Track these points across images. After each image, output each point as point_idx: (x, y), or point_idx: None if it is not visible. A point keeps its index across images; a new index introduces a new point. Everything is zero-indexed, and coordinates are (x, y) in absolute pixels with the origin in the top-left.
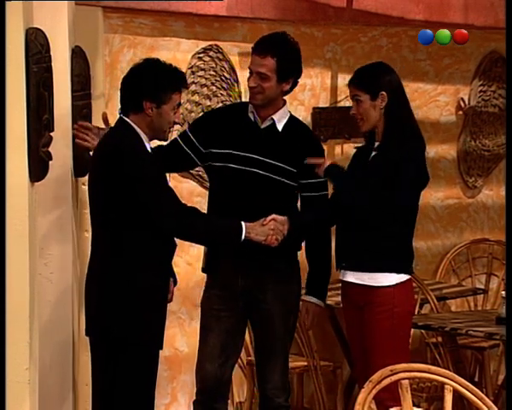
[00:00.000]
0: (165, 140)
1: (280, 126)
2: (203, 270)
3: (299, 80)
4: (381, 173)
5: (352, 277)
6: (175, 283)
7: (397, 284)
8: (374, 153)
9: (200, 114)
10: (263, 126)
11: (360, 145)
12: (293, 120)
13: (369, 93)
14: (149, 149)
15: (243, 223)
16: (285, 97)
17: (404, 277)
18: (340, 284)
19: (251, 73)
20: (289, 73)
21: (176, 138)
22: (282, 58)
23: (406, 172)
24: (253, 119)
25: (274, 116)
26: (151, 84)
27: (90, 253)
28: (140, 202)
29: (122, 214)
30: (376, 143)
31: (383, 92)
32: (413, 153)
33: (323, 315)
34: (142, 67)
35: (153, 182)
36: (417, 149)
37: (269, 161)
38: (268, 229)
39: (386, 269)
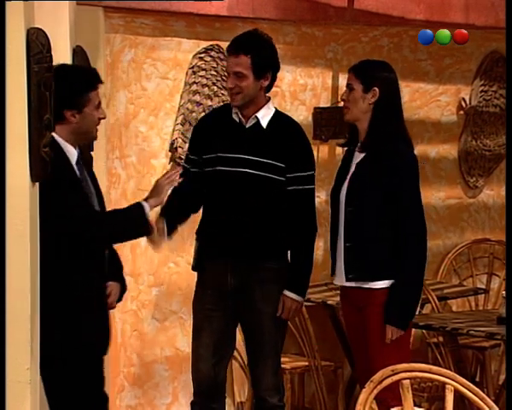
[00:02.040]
0: (94, 139)
1: (264, 123)
2: (193, 268)
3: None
4: (381, 187)
5: (354, 284)
6: (123, 288)
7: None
8: (361, 155)
9: (194, 125)
10: (248, 126)
11: (342, 143)
12: (278, 115)
13: (363, 84)
14: (76, 157)
15: (141, 201)
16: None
17: None
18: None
19: (228, 74)
20: (265, 68)
21: (183, 166)
22: (255, 55)
23: (408, 185)
24: (237, 119)
25: (257, 114)
26: (66, 92)
27: None
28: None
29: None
30: (359, 144)
31: (376, 88)
32: (409, 161)
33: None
34: (53, 77)
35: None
36: (410, 155)
37: (257, 159)
38: (161, 187)
39: (387, 276)
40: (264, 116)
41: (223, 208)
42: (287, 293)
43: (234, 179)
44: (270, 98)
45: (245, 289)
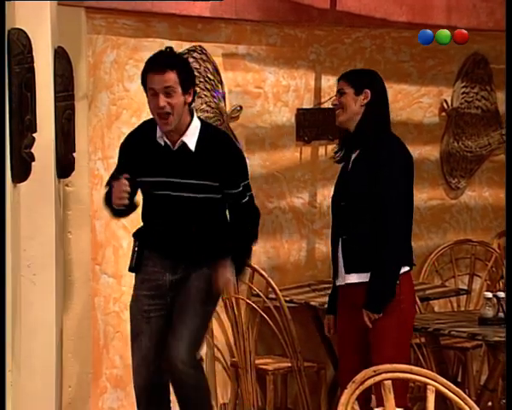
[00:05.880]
0: None
1: (192, 145)
2: (130, 269)
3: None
4: (373, 179)
5: (355, 278)
6: None
7: (400, 275)
8: (356, 153)
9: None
10: (175, 148)
11: (333, 156)
12: (204, 130)
13: (354, 87)
14: None
15: None
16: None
17: (405, 268)
18: (333, 289)
19: (154, 94)
20: (190, 83)
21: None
22: (181, 69)
23: (391, 170)
24: (163, 143)
25: (184, 138)
26: None
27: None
28: None
29: None
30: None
31: (367, 90)
32: (393, 155)
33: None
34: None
35: None
36: (397, 152)
37: (189, 182)
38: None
39: None
40: (191, 137)
41: (161, 223)
42: (222, 264)
43: (170, 203)
44: (193, 112)
45: (181, 282)
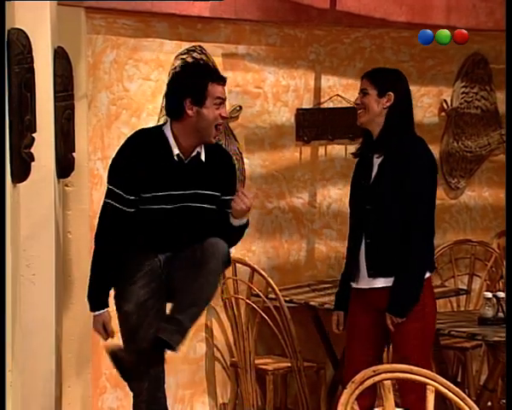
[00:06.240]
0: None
1: (203, 156)
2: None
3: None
4: (399, 185)
5: (382, 282)
6: None
7: (424, 280)
8: (380, 157)
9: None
10: (187, 160)
11: (355, 152)
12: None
13: (377, 89)
14: None
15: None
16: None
17: (427, 274)
18: (354, 292)
19: (221, 104)
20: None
21: (112, 205)
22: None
23: (418, 173)
24: (176, 153)
25: (198, 149)
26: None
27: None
28: None
29: None
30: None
31: (391, 93)
32: (420, 157)
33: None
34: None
35: None
36: (429, 157)
37: (197, 192)
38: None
39: None
40: (202, 147)
41: (164, 241)
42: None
43: (176, 215)
44: None
45: (173, 256)
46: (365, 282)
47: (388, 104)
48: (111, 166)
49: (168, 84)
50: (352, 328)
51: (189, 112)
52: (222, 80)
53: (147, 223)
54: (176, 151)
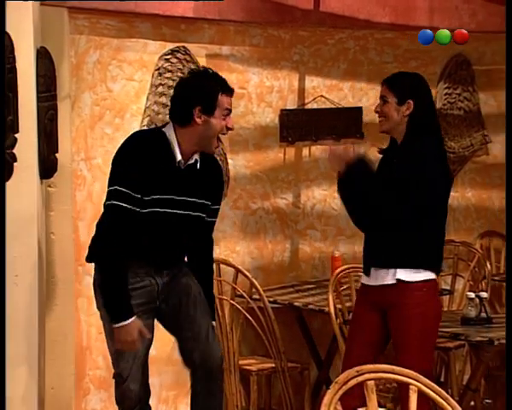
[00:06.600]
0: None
1: (198, 163)
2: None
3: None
4: (405, 173)
5: (382, 279)
6: None
7: (425, 281)
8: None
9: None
10: (184, 167)
11: (384, 148)
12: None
13: (397, 97)
14: None
15: None
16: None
17: (431, 275)
18: (359, 290)
19: (228, 115)
20: None
21: (121, 207)
22: None
23: (428, 171)
24: (176, 163)
25: (196, 156)
26: None
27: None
28: None
29: None
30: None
31: (410, 101)
32: (432, 153)
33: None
34: None
35: None
36: (436, 150)
37: (194, 200)
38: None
39: (416, 265)
40: (197, 155)
41: (154, 243)
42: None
43: (173, 221)
44: None
45: (171, 281)
46: (373, 279)
47: (408, 112)
48: (115, 166)
49: (177, 90)
50: (355, 325)
51: (198, 120)
52: (230, 92)
53: (150, 225)
54: (179, 157)
